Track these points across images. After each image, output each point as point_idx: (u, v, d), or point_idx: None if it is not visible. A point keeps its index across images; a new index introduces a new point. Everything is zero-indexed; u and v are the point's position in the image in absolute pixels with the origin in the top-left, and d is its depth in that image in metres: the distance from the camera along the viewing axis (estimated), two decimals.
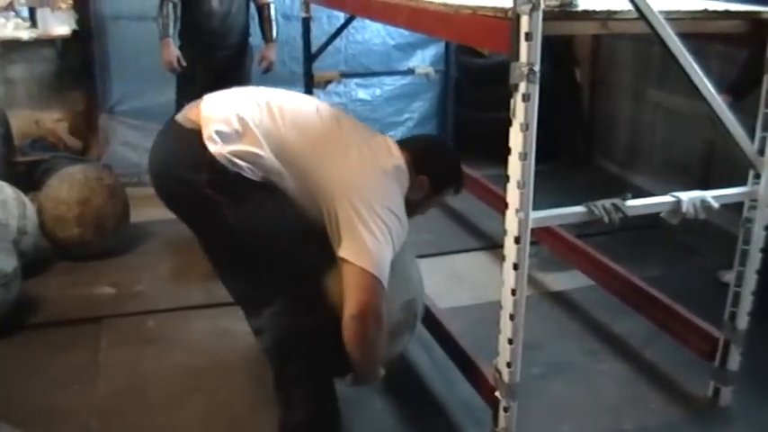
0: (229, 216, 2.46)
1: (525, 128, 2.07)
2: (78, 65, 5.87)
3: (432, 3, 2.66)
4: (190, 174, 2.46)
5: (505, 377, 2.42)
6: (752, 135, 2.57)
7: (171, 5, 4.79)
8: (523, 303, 2.31)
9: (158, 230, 4.67)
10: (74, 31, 5.67)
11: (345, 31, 5.21)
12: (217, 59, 4.93)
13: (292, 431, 2.63)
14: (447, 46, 5.56)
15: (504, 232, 2.26)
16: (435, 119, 6.38)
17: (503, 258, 2.31)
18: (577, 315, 3.80)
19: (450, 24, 2.53)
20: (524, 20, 2.00)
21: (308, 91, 4.97)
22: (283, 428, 2.64)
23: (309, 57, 4.98)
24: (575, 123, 6.49)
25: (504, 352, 2.39)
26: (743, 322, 2.84)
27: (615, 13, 2.25)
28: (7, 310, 3.56)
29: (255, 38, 5.15)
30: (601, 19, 2.26)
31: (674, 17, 2.27)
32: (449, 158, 2.91)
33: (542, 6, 1.99)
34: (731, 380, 2.97)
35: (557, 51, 6.11)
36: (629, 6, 2.16)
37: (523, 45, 2.01)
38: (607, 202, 2.38)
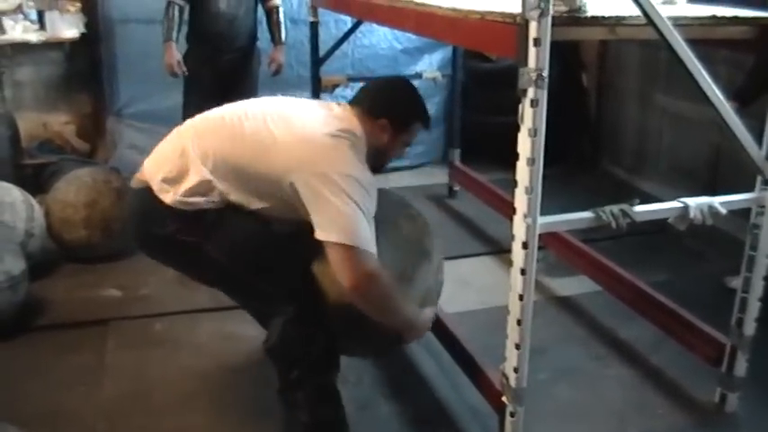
0: (212, 252, 2.50)
1: (534, 133, 2.07)
2: (86, 68, 5.90)
3: (440, 7, 2.66)
4: (159, 229, 2.53)
5: (512, 382, 2.42)
6: (759, 140, 2.56)
7: (177, 9, 4.81)
8: (530, 309, 2.31)
9: None
10: (82, 34, 5.70)
11: (352, 35, 5.21)
12: (224, 63, 4.94)
13: None
14: (454, 50, 5.56)
15: (512, 237, 2.26)
16: (442, 123, 6.37)
17: (510, 263, 2.31)
18: (584, 320, 3.80)
19: (458, 29, 2.53)
20: (533, 25, 2.00)
21: (316, 95, 4.97)
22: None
23: (317, 61, 4.98)
24: (581, 128, 6.48)
25: (512, 357, 2.39)
26: (750, 328, 2.84)
27: (623, 18, 2.25)
28: (14, 311, 3.57)
29: (263, 42, 5.16)
30: (609, 25, 2.26)
31: (682, 23, 2.27)
32: (403, 93, 2.84)
33: (551, 12, 1.99)
34: (738, 386, 2.97)
35: (564, 56, 6.12)
36: (638, 12, 2.16)
37: (532, 51, 2.01)
38: (615, 208, 2.38)
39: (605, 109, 6.43)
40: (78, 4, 5.75)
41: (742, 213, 2.73)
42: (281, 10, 5.12)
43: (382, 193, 2.52)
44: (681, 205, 2.50)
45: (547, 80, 2.03)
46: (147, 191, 2.55)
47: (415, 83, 5.91)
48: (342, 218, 2.31)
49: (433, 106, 6.37)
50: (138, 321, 3.72)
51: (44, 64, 5.88)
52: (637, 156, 6.03)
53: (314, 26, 4.88)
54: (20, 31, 5.53)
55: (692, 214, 2.48)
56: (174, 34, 4.82)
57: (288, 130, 2.49)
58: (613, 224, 2.35)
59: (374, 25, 5.50)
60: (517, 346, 2.35)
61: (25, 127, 5.64)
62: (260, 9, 5.11)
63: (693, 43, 2.25)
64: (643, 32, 2.26)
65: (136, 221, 2.70)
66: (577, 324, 3.77)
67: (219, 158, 2.48)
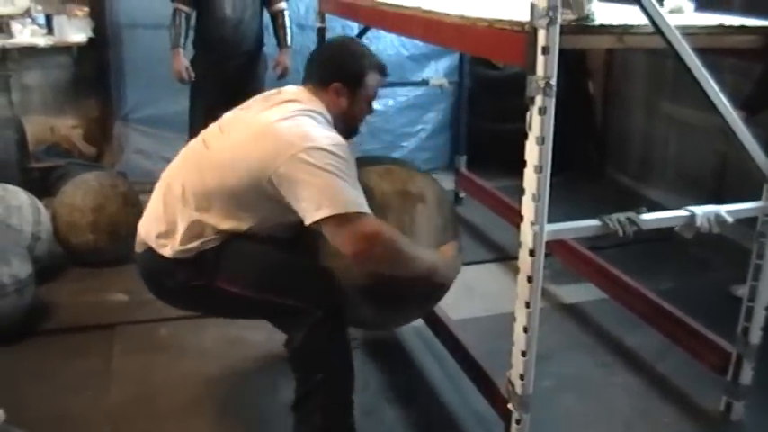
0: (226, 287, 2.52)
1: (541, 141, 2.08)
2: (94, 72, 5.92)
3: (448, 15, 2.67)
4: (171, 283, 2.59)
5: (518, 389, 2.42)
6: (766, 149, 2.56)
7: (183, 16, 4.86)
8: (537, 316, 2.31)
9: None
10: (90, 39, 5.71)
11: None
12: (230, 67, 4.96)
13: None
14: (461, 57, 5.56)
15: (519, 245, 2.26)
16: (449, 130, 6.38)
17: (517, 271, 2.31)
18: (589, 327, 3.80)
19: (466, 37, 2.54)
20: (542, 34, 2.00)
21: None
22: None
23: None
24: (588, 135, 6.48)
25: (518, 364, 2.39)
26: (756, 337, 2.84)
27: (631, 27, 2.26)
28: (21, 315, 3.58)
29: (269, 47, 5.17)
30: (617, 33, 2.27)
31: (689, 32, 2.28)
32: (344, 51, 2.78)
33: (559, 20, 2.00)
34: (743, 394, 2.97)
35: (570, 63, 6.12)
36: (646, 21, 2.17)
37: (540, 59, 2.02)
38: (622, 216, 2.38)
39: (611, 116, 6.43)
40: (86, 9, 5.78)
41: (748, 221, 2.73)
42: (286, 14, 5.14)
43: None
44: (687, 214, 2.50)
45: (555, 88, 2.04)
46: (148, 251, 2.61)
47: (422, 89, 6.03)
48: (320, 193, 2.29)
49: (439, 113, 6.41)
50: (143, 326, 3.72)
51: (52, 68, 5.90)
52: (643, 163, 6.02)
53: (321, 32, 4.86)
54: (28, 35, 5.54)
55: (698, 223, 2.48)
56: (182, 41, 4.87)
57: (243, 134, 2.50)
58: (620, 232, 2.36)
59: (381, 31, 5.50)
60: (523, 354, 2.36)
61: (32, 131, 5.66)
62: (266, 14, 5.13)
63: (701, 52, 2.26)
64: (651, 41, 2.27)
65: (148, 282, 2.74)
66: (583, 331, 3.77)
67: (194, 192, 2.51)
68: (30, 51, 5.65)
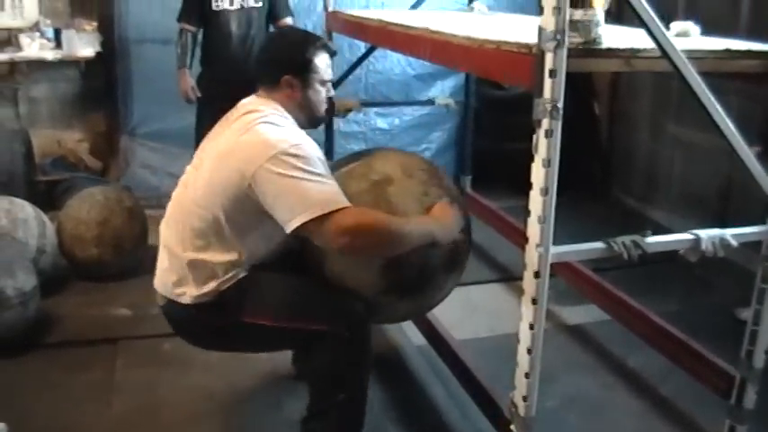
0: (255, 320, 2.53)
1: (547, 164, 2.08)
2: (101, 86, 5.94)
3: (455, 36, 2.68)
4: (199, 329, 2.63)
5: (521, 411, 2.42)
6: None
7: (190, 35, 4.91)
8: (541, 338, 2.31)
9: None
10: (98, 53, 5.73)
11: (366, 60, 5.23)
12: (237, 83, 4.88)
13: None
14: (467, 77, 5.56)
15: (524, 266, 2.27)
16: (454, 149, 6.38)
17: (521, 292, 2.31)
18: (593, 349, 3.80)
19: (473, 58, 2.55)
20: (549, 56, 2.01)
21: (328, 119, 4.99)
22: None
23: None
24: (593, 155, 6.49)
25: (521, 386, 2.39)
26: (759, 361, 2.82)
27: (639, 51, 2.26)
28: (25, 328, 3.59)
29: None
30: (624, 57, 2.27)
31: (696, 56, 2.28)
32: (282, 44, 2.81)
33: (567, 44, 2.01)
34: (746, 418, 2.95)
35: (576, 83, 6.12)
36: (653, 45, 2.17)
37: (547, 81, 2.03)
38: (627, 239, 2.38)
39: (617, 137, 6.43)
40: (95, 24, 5.81)
41: (753, 244, 2.73)
42: None
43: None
44: (692, 237, 2.49)
45: (561, 111, 2.05)
46: (170, 303, 2.63)
47: (428, 109, 6.04)
48: (291, 201, 2.32)
49: (445, 132, 6.41)
50: (147, 341, 3.72)
51: (59, 81, 5.93)
52: (648, 184, 6.03)
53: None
54: (36, 48, 5.57)
55: (703, 246, 2.48)
56: (188, 61, 4.91)
57: (212, 163, 2.53)
58: (625, 255, 2.35)
59: (388, 51, 5.52)
60: (527, 375, 2.35)
61: (39, 143, 5.68)
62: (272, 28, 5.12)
63: (707, 75, 2.27)
64: (658, 65, 2.27)
65: (180, 332, 2.77)
66: (586, 352, 3.77)
67: (189, 235, 2.54)
68: (38, 65, 5.68)
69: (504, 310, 4.03)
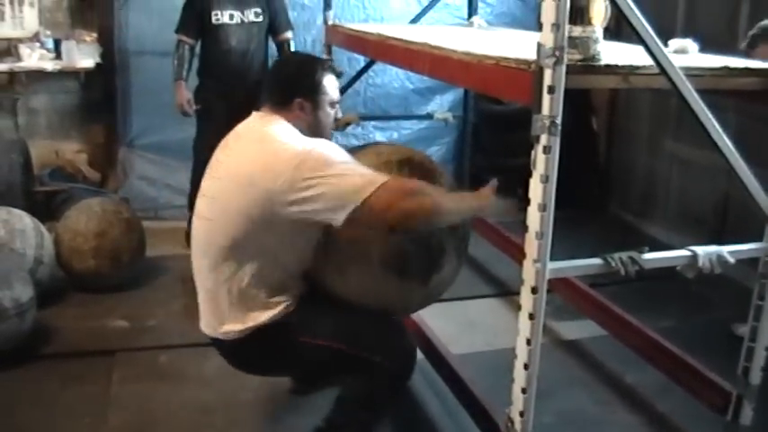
0: (310, 340, 2.55)
1: (545, 179, 2.09)
2: (100, 97, 5.94)
3: (455, 51, 2.69)
4: (267, 359, 2.64)
5: (518, 426, 2.41)
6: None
7: (187, 48, 4.89)
8: (538, 353, 2.31)
9: (173, 265, 4.69)
10: (97, 65, 5.73)
11: (365, 73, 5.24)
12: (236, 97, 4.88)
13: None
14: (466, 92, 5.58)
15: (521, 282, 2.27)
16: (452, 163, 6.39)
17: (518, 307, 2.31)
18: (589, 364, 3.79)
19: (472, 73, 2.56)
20: (548, 73, 2.02)
21: None
22: None
23: None
24: (591, 171, 6.50)
25: (518, 401, 2.38)
26: (756, 377, 2.83)
27: (637, 68, 2.27)
28: (21, 339, 3.58)
29: None
30: (623, 74, 2.28)
31: (694, 73, 2.30)
32: (292, 67, 2.82)
33: (566, 60, 2.01)
34: None
35: (574, 99, 6.13)
36: (651, 62, 2.18)
37: (546, 98, 2.04)
38: (624, 255, 2.38)
39: (615, 153, 6.45)
40: (95, 35, 5.82)
41: (750, 260, 2.73)
42: (292, 44, 5.16)
43: None
44: (690, 254, 2.50)
45: (560, 127, 2.05)
46: (219, 342, 2.66)
47: (426, 123, 6.05)
48: (332, 197, 2.33)
49: (443, 147, 6.43)
50: (144, 353, 3.72)
51: (59, 92, 5.94)
52: (645, 200, 6.04)
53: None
54: (36, 59, 5.57)
55: (700, 263, 2.49)
56: (184, 73, 4.89)
57: (230, 187, 2.52)
58: (622, 271, 2.36)
59: (387, 65, 5.54)
60: (523, 391, 2.35)
61: (37, 154, 5.67)
62: (271, 43, 5.14)
63: (705, 92, 2.27)
64: (656, 81, 2.28)
65: (238, 366, 2.80)
66: (583, 368, 3.76)
67: (220, 263, 2.53)
68: (37, 75, 5.68)
69: (501, 325, 4.03)
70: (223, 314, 2.56)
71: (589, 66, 2.19)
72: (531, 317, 2.25)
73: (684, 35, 2.93)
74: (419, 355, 3.32)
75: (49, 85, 5.86)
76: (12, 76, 5.61)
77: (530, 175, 2.15)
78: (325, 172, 2.34)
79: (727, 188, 4.83)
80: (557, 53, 1.99)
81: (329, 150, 2.44)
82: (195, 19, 4.88)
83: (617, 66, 2.25)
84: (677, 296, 4.47)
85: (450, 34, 3.80)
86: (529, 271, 2.23)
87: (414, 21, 5.05)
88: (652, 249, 2.47)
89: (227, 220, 2.48)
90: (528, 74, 2.12)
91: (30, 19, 5.68)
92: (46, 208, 5.29)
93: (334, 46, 4.74)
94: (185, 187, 5.10)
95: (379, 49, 3.71)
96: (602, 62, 2.21)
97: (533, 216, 2.16)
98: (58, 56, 5.65)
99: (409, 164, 2.70)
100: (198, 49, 4.98)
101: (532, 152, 2.12)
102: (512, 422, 2.44)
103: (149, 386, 3.45)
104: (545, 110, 2.05)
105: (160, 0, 5.25)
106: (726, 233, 4.81)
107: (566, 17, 1.99)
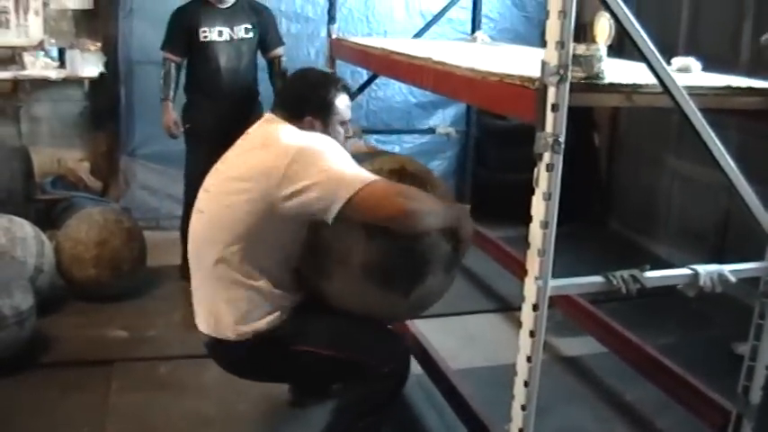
0: (304, 348, 2.57)
1: (548, 197, 2.09)
2: (103, 106, 5.96)
3: (458, 67, 2.69)
4: (257, 363, 2.65)
5: None
6: None
7: (173, 66, 4.72)
8: (538, 370, 2.30)
9: (174, 275, 4.68)
10: (101, 74, 5.76)
11: (368, 87, 5.24)
12: (227, 118, 4.63)
13: None
14: (468, 106, 5.59)
15: (522, 299, 2.26)
16: (454, 178, 6.40)
17: (518, 322, 2.31)
18: (589, 381, 3.79)
19: (476, 90, 2.56)
20: (551, 91, 2.02)
21: None
22: None
23: None
24: (592, 187, 6.50)
25: (517, 418, 2.38)
26: (756, 396, 2.81)
27: (640, 86, 2.27)
28: (20, 347, 3.59)
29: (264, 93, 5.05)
30: (626, 92, 2.28)
31: (697, 92, 2.30)
32: (306, 84, 2.81)
33: (569, 78, 2.02)
34: None
35: (576, 116, 6.13)
36: (654, 81, 2.19)
37: (549, 116, 2.03)
38: (625, 273, 2.38)
39: (616, 169, 6.46)
40: (99, 44, 5.84)
41: (751, 279, 2.73)
42: (283, 60, 4.97)
43: None
44: (691, 272, 2.50)
45: (563, 145, 2.06)
46: (213, 340, 2.65)
47: (429, 137, 6.06)
48: (329, 184, 2.37)
49: (445, 161, 6.43)
50: (143, 363, 3.73)
51: (62, 101, 5.95)
52: (646, 217, 6.04)
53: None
54: (40, 67, 5.60)
55: (701, 281, 2.48)
56: (171, 93, 4.73)
57: (233, 183, 2.55)
58: (624, 290, 2.35)
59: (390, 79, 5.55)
60: (523, 408, 2.34)
61: (39, 162, 5.68)
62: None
63: (707, 111, 2.28)
64: (659, 100, 2.28)
65: (233, 372, 2.80)
66: (583, 385, 3.76)
67: (217, 260, 2.54)
68: (41, 83, 5.71)
69: (501, 341, 4.02)
70: (219, 313, 2.57)
71: (593, 84, 2.19)
72: (532, 334, 2.24)
73: (687, 53, 2.93)
74: (419, 369, 3.34)
75: (52, 93, 5.88)
76: (15, 83, 5.64)
77: (532, 192, 2.15)
78: (318, 165, 2.38)
79: (729, 206, 4.83)
80: (561, 71, 1.99)
81: (326, 146, 2.49)
82: (182, 35, 4.70)
83: (620, 84, 2.25)
84: (677, 313, 4.46)
85: (453, 49, 3.80)
86: (530, 288, 2.22)
87: (417, 35, 5.05)
88: (653, 266, 2.46)
89: (226, 218, 2.51)
90: (532, 91, 2.12)
91: (34, 27, 5.71)
92: (47, 216, 5.30)
93: (337, 59, 4.75)
94: None
95: (383, 64, 3.72)
96: (606, 81, 2.21)
97: (535, 233, 2.16)
98: (62, 64, 5.68)
99: (400, 173, 2.71)
100: (183, 71, 4.80)
101: (535, 170, 2.12)
102: None
103: (148, 396, 3.45)
104: (548, 127, 2.05)
105: (164, 10, 5.25)
106: (726, 251, 4.81)
107: (570, 35, 1.99)
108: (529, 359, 2.27)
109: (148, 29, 5.58)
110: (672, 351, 3.49)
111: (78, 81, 5.80)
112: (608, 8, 2.06)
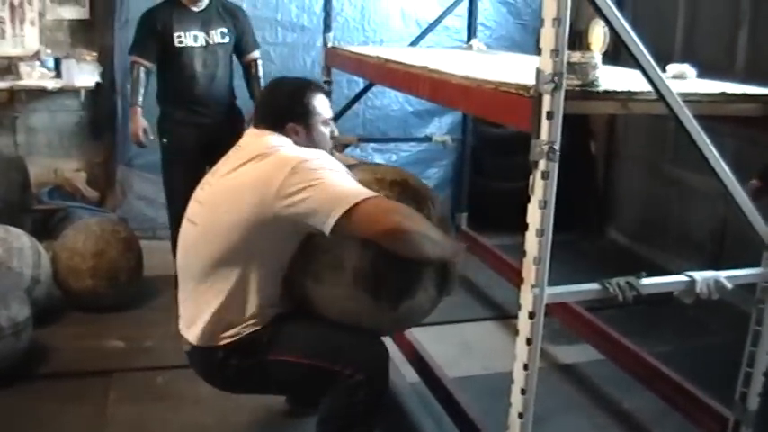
0: (279, 357, 2.55)
1: (544, 205, 2.09)
2: (99, 116, 5.97)
3: (454, 75, 2.70)
4: (233, 372, 2.62)
5: None
6: (766, 215, 2.57)
7: (143, 70, 4.49)
8: (535, 378, 2.30)
9: (171, 286, 4.64)
10: (97, 84, 5.76)
11: (364, 95, 5.25)
12: (206, 126, 4.59)
13: None
14: (464, 115, 5.59)
15: (519, 307, 2.26)
16: (450, 186, 6.40)
17: (514, 330, 2.31)
18: (586, 389, 3.79)
19: (471, 98, 2.56)
20: (546, 99, 2.02)
21: None
22: None
23: None
24: (588, 195, 6.51)
25: (514, 426, 2.37)
26: (753, 403, 2.82)
27: (635, 94, 2.28)
28: (17, 358, 3.57)
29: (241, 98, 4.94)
30: (621, 100, 2.29)
31: (692, 99, 2.30)
32: (281, 95, 2.79)
33: (564, 86, 2.02)
34: None
35: (572, 123, 6.14)
36: (649, 88, 2.19)
37: (545, 123, 2.04)
38: (621, 280, 2.38)
39: (613, 177, 6.46)
40: (95, 54, 5.84)
41: (748, 285, 2.73)
42: (259, 63, 4.84)
43: None
44: (687, 279, 2.50)
45: (558, 153, 2.06)
46: (195, 349, 2.65)
47: (425, 145, 6.06)
48: (322, 202, 2.35)
49: (441, 169, 6.43)
50: (140, 374, 3.72)
51: (58, 111, 5.96)
52: (643, 225, 6.04)
53: (326, 86, 4.88)
54: (36, 77, 5.60)
55: (698, 288, 2.48)
56: (140, 99, 4.50)
57: (227, 195, 2.54)
58: (620, 297, 2.35)
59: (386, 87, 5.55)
60: (520, 416, 2.34)
61: (36, 172, 5.68)
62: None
63: (702, 118, 2.28)
64: (654, 108, 2.28)
65: (204, 377, 2.80)
66: (580, 393, 3.76)
67: (205, 270, 2.55)
68: (37, 93, 5.72)
69: (498, 349, 4.01)
70: (203, 322, 2.57)
71: (588, 92, 2.20)
72: (529, 342, 2.24)
73: (683, 60, 2.94)
74: (415, 378, 3.34)
75: (48, 103, 5.90)
76: (11, 94, 5.64)
77: (528, 199, 2.16)
78: (316, 179, 2.38)
79: (725, 213, 4.84)
80: (556, 79, 2.00)
81: (324, 161, 2.48)
82: (154, 40, 4.47)
83: (615, 92, 2.26)
84: (675, 320, 4.46)
85: (449, 57, 3.81)
86: (526, 296, 2.22)
87: (413, 43, 5.06)
88: (649, 273, 2.47)
89: (220, 229, 2.50)
90: (527, 99, 2.12)
91: (30, 37, 5.71)
92: (44, 226, 5.30)
93: (333, 68, 4.75)
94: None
95: (379, 73, 3.72)
96: (601, 88, 2.22)
97: (531, 241, 2.16)
98: (59, 74, 5.68)
99: (401, 186, 2.68)
100: (153, 76, 4.61)
101: (531, 177, 2.12)
102: None
103: (146, 407, 3.44)
104: (544, 135, 2.05)
105: None
106: (723, 258, 4.81)
107: (565, 43, 2.00)
108: (526, 367, 2.27)
109: None
110: (669, 358, 3.49)
111: (74, 91, 5.81)
112: (603, 16, 2.07)
